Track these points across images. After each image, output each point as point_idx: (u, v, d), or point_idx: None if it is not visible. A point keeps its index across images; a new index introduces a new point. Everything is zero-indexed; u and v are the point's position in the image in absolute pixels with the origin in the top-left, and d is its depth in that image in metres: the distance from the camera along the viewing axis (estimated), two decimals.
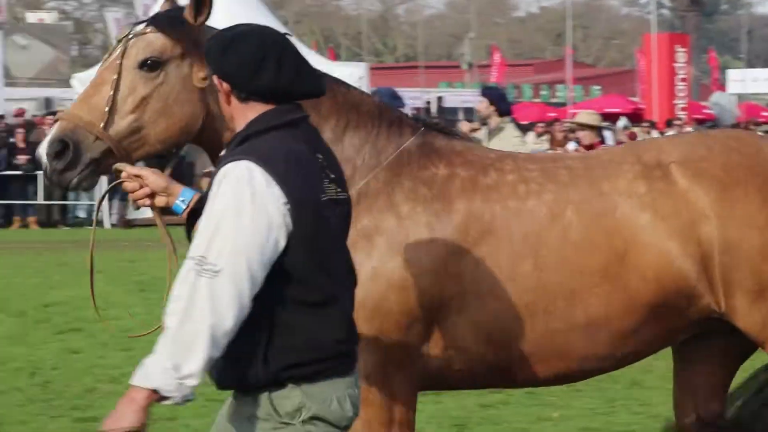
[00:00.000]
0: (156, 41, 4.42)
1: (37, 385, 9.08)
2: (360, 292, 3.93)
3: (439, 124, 5.08)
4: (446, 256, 4.53)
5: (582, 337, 4.61)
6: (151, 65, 4.38)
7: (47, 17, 46.18)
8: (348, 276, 3.72)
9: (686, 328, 4.74)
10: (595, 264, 4.56)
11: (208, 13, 4.41)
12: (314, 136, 3.75)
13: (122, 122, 4.32)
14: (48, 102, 36.35)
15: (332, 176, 3.70)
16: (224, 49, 3.55)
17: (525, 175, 4.69)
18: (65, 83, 30.07)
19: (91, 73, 24.22)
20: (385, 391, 4.51)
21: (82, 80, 23.97)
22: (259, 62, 3.52)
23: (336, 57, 45.33)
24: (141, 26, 4.46)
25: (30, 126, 24.92)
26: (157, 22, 4.46)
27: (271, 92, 3.57)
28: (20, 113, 27.38)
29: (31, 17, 45.44)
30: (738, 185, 4.62)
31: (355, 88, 4.84)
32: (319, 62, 23.30)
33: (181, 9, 4.49)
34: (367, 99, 4.85)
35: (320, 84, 3.75)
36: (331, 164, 3.73)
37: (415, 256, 4.50)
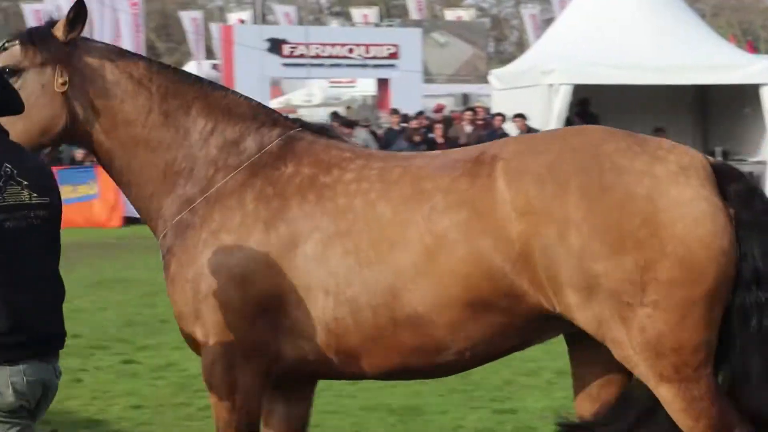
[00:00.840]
0: (15, 52, 4.86)
1: (457, 376, 9.40)
2: (205, 286, 4.63)
3: (315, 125, 5.20)
4: (280, 253, 4.72)
5: (407, 332, 4.65)
6: (9, 73, 4.78)
7: (465, 15, 47.36)
8: (37, 278, 4.16)
9: (527, 326, 4.67)
10: (409, 260, 4.61)
11: (81, 30, 4.83)
12: (6, 148, 4.18)
13: None
14: (466, 98, 37.30)
15: (24, 183, 4.12)
16: None
17: (363, 173, 4.82)
18: (482, 79, 30.72)
19: (509, 69, 24.73)
20: (228, 379, 4.76)
21: (499, 76, 24.52)
22: None
23: (755, 50, 43.70)
24: (12, 40, 4.94)
25: (448, 122, 25.53)
26: (20, 36, 4.92)
27: None
28: (439, 109, 28.26)
29: (450, 15, 46.79)
30: (558, 183, 4.47)
31: (235, 93, 5.12)
32: (737, 55, 22.70)
33: (52, 24, 4.91)
34: (243, 103, 5.07)
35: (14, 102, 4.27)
36: (23, 172, 4.13)
37: (254, 253, 4.72)
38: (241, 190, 4.88)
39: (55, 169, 22.82)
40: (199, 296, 4.80)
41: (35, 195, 4.23)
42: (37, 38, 4.92)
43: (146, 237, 19.99)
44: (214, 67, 42.85)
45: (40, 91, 4.87)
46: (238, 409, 4.82)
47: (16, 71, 4.87)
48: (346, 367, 4.84)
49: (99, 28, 32.97)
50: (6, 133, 4.30)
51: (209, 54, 46.63)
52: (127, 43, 33.15)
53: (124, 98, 4.96)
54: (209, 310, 4.77)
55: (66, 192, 22.86)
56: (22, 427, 4.16)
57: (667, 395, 4.53)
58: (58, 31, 4.91)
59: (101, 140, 5.01)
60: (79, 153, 23.78)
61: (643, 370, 4.54)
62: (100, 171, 23.15)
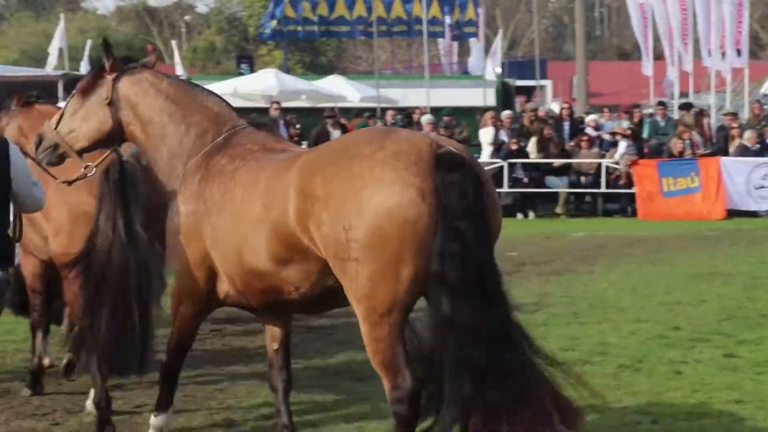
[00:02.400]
0: (83, 81, 7.18)
1: None
2: (171, 240, 6.67)
3: (260, 122, 6.91)
4: (200, 219, 6.46)
5: (256, 279, 6.24)
6: (84, 93, 7.07)
7: None
8: None
9: (328, 270, 5.85)
10: (246, 228, 6.17)
11: (120, 69, 6.98)
12: None
13: (64, 126, 6.99)
14: None
15: None
16: None
17: (248, 164, 6.42)
18: None
19: None
20: (175, 308, 6.76)
21: None
22: None
23: None
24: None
25: None
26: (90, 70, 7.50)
27: None
28: None
29: None
30: (317, 171, 5.87)
31: (215, 97, 6.92)
32: None
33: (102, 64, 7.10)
34: (217, 105, 6.87)
35: None
36: None
37: (188, 219, 6.54)
38: (195, 172, 6.63)
39: (655, 161, 23.09)
40: (168, 248, 6.76)
41: None
42: (93, 71, 7.19)
43: (749, 230, 19.79)
44: None
45: (95, 105, 6.97)
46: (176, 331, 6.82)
47: (85, 93, 7.04)
48: (246, 302, 6.53)
49: (701, 18, 32.62)
50: None
51: None
52: (728, 34, 32.68)
53: (145, 105, 6.89)
54: (172, 258, 6.70)
55: (667, 184, 23.04)
56: None
57: (362, 332, 5.79)
58: (107, 65, 7.02)
59: (137, 135, 6.96)
60: (678, 145, 23.80)
61: (356, 311, 5.77)
62: (703, 164, 23.09)
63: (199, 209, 6.49)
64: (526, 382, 5.61)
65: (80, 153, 7.01)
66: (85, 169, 7.05)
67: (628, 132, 24.52)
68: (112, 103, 6.91)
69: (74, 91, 7.16)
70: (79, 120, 6.98)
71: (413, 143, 5.65)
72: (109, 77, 6.97)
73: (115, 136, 7.00)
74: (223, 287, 6.51)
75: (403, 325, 5.74)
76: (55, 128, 7.02)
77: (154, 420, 6.97)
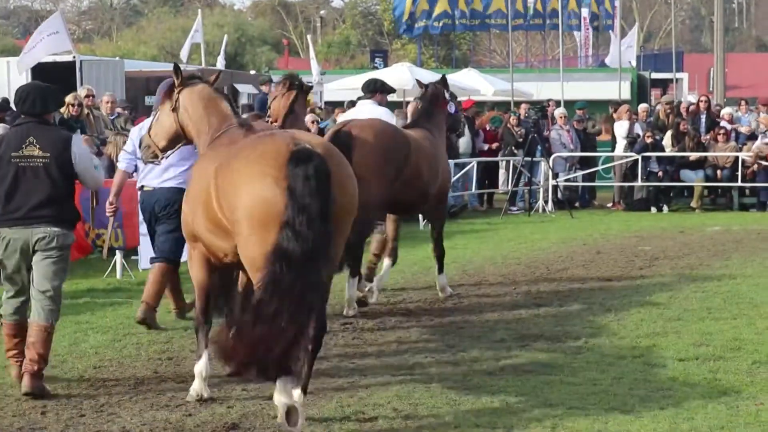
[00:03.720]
0: (161, 94, 9.17)
1: None
2: (186, 207, 8.20)
3: (242, 122, 8.52)
4: (206, 190, 7.83)
5: (204, 242, 8.05)
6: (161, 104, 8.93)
7: None
8: (37, 202, 8.32)
9: None
10: (196, 201, 8.01)
11: (184, 84, 8.62)
12: (36, 128, 8.46)
13: (152, 130, 8.86)
14: None
15: (37, 144, 8.36)
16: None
17: (210, 153, 8.21)
18: None
19: None
20: (189, 256, 8.45)
21: None
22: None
23: None
24: None
25: None
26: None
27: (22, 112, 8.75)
28: None
29: None
30: (224, 159, 7.85)
31: (226, 103, 8.60)
32: None
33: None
34: (225, 109, 8.53)
35: (33, 106, 8.55)
36: (39, 138, 8.38)
37: (201, 186, 7.94)
38: (208, 152, 8.26)
39: None
40: (188, 212, 8.20)
41: (40, 150, 8.38)
42: (168, 86, 8.84)
43: None
44: None
45: (167, 112, 8.72)
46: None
47: (164, 102, 8.82)
48: (219, 260, 8.11)
49: None
50: (48, 122, 8.68)
51: None
52: None
53: (193, 111, 8.55)
54: (188, 220, 8.21)
55: None
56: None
57: (244, 280, 8.43)
58: (175, 81, 8.68)
59: (192, 134, 8.62)
60: None
61: (245, 267, 7.63)
62: None
63: (204, 183, 7.97)
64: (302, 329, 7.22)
65: (163, 151, 8.86)
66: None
67: (766, 120, 23.98)
68: (175, 110, 8.66)
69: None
70: (158, 125, 8.82)
71: (275, 144, 7.56)
72: (176, 90, 8.66)
73: (180, 136, 8.74)
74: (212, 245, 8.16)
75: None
76: (148, 132, 8.95)
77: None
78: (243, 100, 27.82)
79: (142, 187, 11.06)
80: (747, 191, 23.88)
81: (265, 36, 67.92)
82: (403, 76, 30.48)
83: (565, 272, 14.40)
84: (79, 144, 8.61)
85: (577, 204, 24.31)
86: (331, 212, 7.33)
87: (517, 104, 27.83)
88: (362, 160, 10.62)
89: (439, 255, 12.44)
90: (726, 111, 26.38)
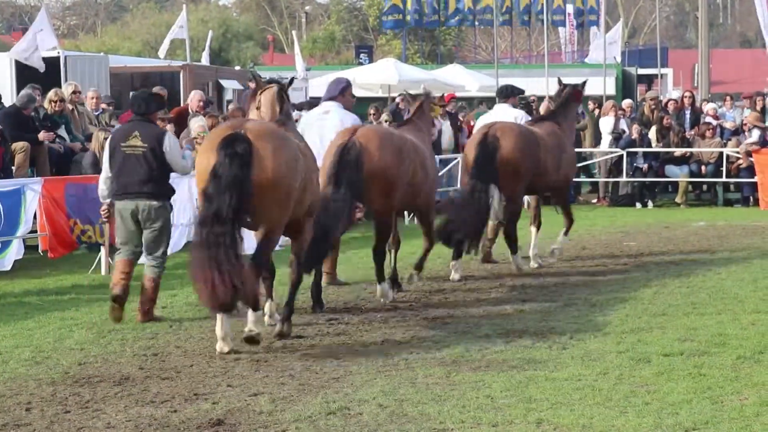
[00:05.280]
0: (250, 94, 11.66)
1: None
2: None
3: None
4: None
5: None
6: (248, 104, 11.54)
7: None
8: (140, 180, 10.84)
9: None
10: None
11: (262, 86, 11.14)
12: (140, 124, 10.98)
13: None
14: None
15: (139, 136, 10.82)
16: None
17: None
18: None
19: None
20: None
21: None
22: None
23: None
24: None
25: None
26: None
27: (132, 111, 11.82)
28: None
29: None
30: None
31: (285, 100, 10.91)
32: None
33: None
34: (277, 107, 10.82)
35: (139, 108, 11.20)
36: (141, 132, 10.86)
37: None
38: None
39: None
40: None
41: (141, 142, 10.80)
42: (254, 88, 11.39)
43: None
44: None
45: (253, 109, 11.05)
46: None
47: (250, 101, 11.30)
48: None
49: None
50: (150, 120, 11.13)
51: None
52: None
53: (265, 107, 10.92)
54: None
55: None
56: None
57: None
58: (255, 85, 11.41)
59: None
60: None
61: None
62: None
63: None
64: (224, 268, 9.01)
65: None
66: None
67: (754, 117, 24.04)
68: (258, 108, 10.92)
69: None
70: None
71: (221, 130, 9.81)
72: (259, 92, 11.05)
73: None
74: None
75: None
76: None
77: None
78: (228, 96, 27.77)
79: None
80: (731, 187, 23.95)
81: (251, 32, 67.79)
82: (388, 71, 30.49)
83: (550, 268, 14.43)
84: (170, 138, 11.07)
85: None
86: (247, 185, 9.27)
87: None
88: (505, 158, 13.41)
89: (569, 224, 15.08)
90: (710, 107, 26.43)
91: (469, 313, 11.31)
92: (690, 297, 12.00)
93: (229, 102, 26.24)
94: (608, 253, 15.80)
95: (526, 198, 15.44)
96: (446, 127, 23.95)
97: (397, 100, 25.68)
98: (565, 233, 15.14)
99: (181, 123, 18.21)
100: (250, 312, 9.53)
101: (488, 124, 14.02)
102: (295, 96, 26.60)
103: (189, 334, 10.33)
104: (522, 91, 16.07)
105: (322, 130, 12.39)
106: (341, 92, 12.87)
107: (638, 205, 23.71)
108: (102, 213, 11.79)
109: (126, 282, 10.83)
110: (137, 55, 49.25)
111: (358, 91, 29.56)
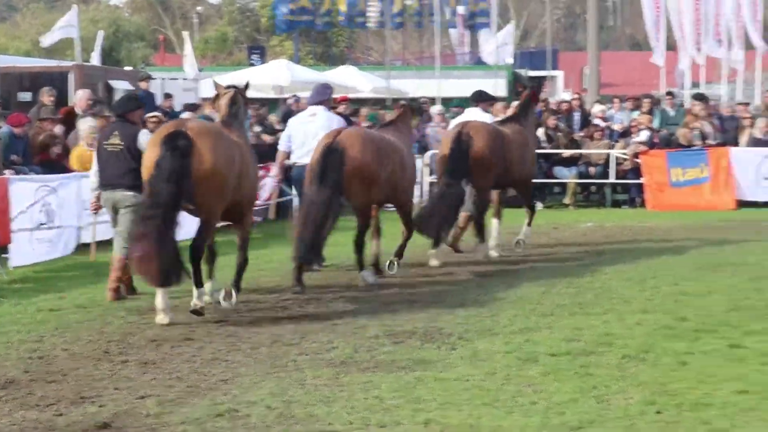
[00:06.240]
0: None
1: None
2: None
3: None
4: None
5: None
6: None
7: None
8: (118, 174, 11.86)
9: None
10: None
11: (219, 91, 12.37)
12: (119, 124, 12.22)
13: None
14: None
15: (119, 135, 11.93)
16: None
17: None
18: None
19: None
20: None
21: None
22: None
23: None
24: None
25: None
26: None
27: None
28: None
29: None
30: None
31: (235, 103, 12.02)
32: None
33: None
34: (234, 106, 12.00)
35: (118, 108, 12.66)
36: (121, 133, 11.95)
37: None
38: None
39: (665, 152, 23.00)
40: None
41: (120, 141, 11.83)
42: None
43: (757, 221, 19.72)
44: None
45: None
46: None
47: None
48: None
49: (713, 8, 32.53)
50: (128, 120, 12.17)
51: None
52: (741, 23, 32.51)
53: (220, 108, 12.14)
54: None
55: (676, 175, 22.99)
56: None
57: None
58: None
59: None
60: (687, 135, 23.71)
61: None
62: (713, 154, 23.03)
63: None
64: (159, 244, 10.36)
65: None
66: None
67: (647, 120, 24.47)
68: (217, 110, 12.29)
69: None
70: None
71: (164, 128, 11.12)
72: (218, 96, 12.17)
73: None
74: None
75: None
76: None
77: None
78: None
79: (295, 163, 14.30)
80: (619, 188, 24.32)
81: (142, 32, 66.98)
82: (281, 73, 30.36)
83: (439, 268, 14.49)
84: (144, 136, 11.85)
85: None
86: (187, 176, 10.51)
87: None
88: (477, 155, 14.54)
89: (531, 215, 16.31)
90: (598, 108, 26.82)
91: (357, 314, 11.30)
92: (577, 297, 12.15)
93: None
94: (497, 253, 15.92)
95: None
96: None
97: (289, 101, 25.63)
98: (528, 224, 16.31)
99: (69, 123, 17.94)
100: (194, 288, 10.86)
101: (461, 123, 15.40)
102: (186, 97, 26.38)
103: (77, 336, 10.17)
104: (493, 98, 17.65)
105: (308, 131, 13.94)
106: (327, 97, 14.59)
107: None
108: (91, 204, 12.63)
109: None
110: (26, 55, 48.37)
111: (249, 92, 29.51)
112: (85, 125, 16.59)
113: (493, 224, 15.93)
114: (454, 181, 14.53)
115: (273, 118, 22.62)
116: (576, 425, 7.29)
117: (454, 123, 16.51)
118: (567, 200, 24.12)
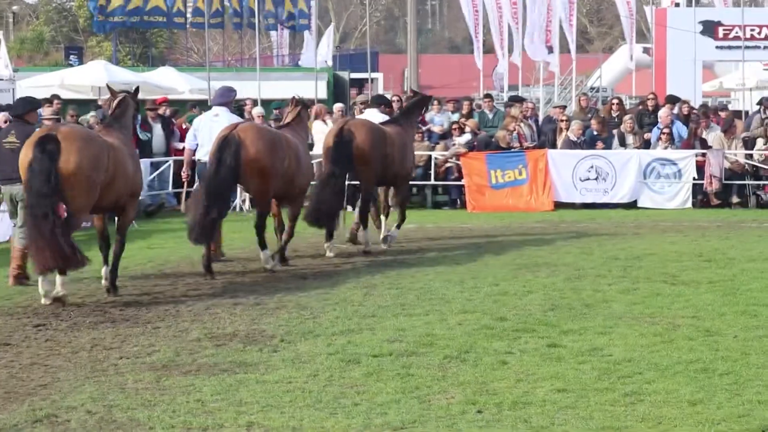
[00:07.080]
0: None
1: None
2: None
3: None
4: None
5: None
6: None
7: None
8: (16, 169, 12.00)
9: None
10: None
11: (113, 95, 13.27)
12: (16, 125, 13.32)
13: None
14: None
15: (15, 134, 12.98)
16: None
17: None
18: None
19: None
20: None
21: None
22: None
23: None
24: None
25: None
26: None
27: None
28: None
29: None
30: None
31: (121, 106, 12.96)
32: None
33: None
34: (118, 109, 12.95)
35: (15, 110, 13.79)
36: (18, 132, 13.01)
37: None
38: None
39: (484, 154, 23.36)
40: None
41: (17, 140, 12.73)
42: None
43: (573, 221, 20.18)
44: (645, 50, 42.27)
45: None
46: None
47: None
48: None
49: (531, 13, 33.27)
50: (25, 121, 13.28)
51: (641, 38, 46.00)
52: (555, 28, 33.30)
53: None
54: None
55: (496, 176, 23.37)
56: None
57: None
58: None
59: None
60: (505, 137, 24.14)
61: None
62: (531, 156, 23.50)
63: None
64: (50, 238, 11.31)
65: None
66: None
67: (474, 124, 24.80)
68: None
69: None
70: None
71: (38, 132, 11.91)
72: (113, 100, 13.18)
73: None
74: None
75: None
76: None
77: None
78: None
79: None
80: (440, 189, 24.61)
81: None
82: (98, 73, 29.78)
83: (261, 270, 14.39)
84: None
85: None
86: (55, 175, 11.40)
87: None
88: (359, 149, 15.48)
89: (402, 219, 16.99)
90: None
91: (179, 316, 11.14)
92: (399, 298, 12.21)
93: None
94: (317, 254, 15.92)
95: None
96: (158, 129, 23.63)
97: (100, 102, 25.17)
98: (398, 227, 17.02)
99: None
100: (58, 277, 11.61)
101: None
102: (1, 98, 25.62)
103: None
104: (390, 103, 18.78)
105: (213, 129, 14.70)
106: (230, 99, 15.67)
107: (349, 207, 24.02)
108: None
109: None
110: None
111: (66, 93, 28.86)
112: None
113: (381, 221, 17.02)
114: (337, 173, 15.46)
115: (92, 119, 22.14)
116: (398, 425, 7.32)
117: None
118: (390, 201, 24.22)
